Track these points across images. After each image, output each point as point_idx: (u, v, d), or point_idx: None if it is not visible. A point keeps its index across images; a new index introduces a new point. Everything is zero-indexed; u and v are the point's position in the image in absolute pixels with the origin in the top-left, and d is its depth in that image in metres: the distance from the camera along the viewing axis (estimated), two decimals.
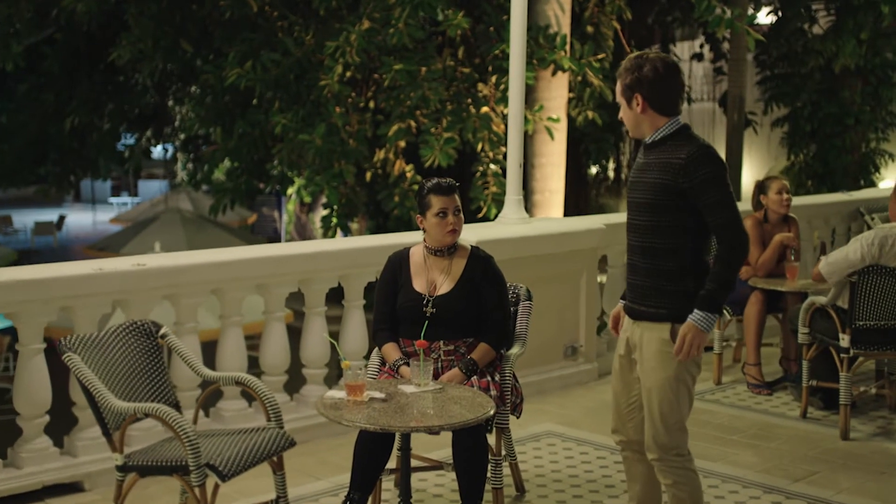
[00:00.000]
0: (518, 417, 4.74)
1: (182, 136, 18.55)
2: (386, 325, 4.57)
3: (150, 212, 20.88)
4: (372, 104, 11.41)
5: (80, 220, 36.82)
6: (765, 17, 15.98)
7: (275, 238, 26.77)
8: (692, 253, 3.77)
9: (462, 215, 4.59)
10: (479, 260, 4.60)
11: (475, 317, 4.52)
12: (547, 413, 6.50)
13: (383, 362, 4.59)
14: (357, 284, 6.02)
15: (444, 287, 4.51)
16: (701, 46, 17.72)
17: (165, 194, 23.68)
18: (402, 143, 10.86)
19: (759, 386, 6.92)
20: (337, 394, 3.95)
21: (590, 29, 11.72)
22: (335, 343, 4.76)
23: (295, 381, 6.10)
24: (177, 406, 4.36)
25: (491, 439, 4.54)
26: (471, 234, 6.03)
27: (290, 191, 13.38)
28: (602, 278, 7.59)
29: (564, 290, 7.01)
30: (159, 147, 22.02)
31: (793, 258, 6.82)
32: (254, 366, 5.74)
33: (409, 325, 4.48)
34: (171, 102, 18.75)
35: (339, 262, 5.84)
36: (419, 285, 4.53)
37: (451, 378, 4.34)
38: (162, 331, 4.44)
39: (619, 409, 4.10)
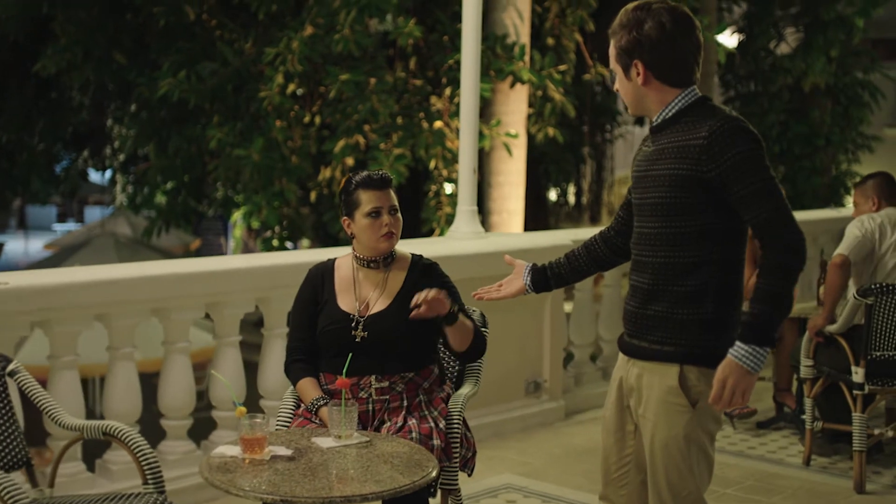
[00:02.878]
0: (470, 475, 3.80)
1: (121, 158, 17.65)
2: (302, 355, 3.64)
3: (84, 236, 19.80)
4: (317, 119, 10.63)
5: (21, 247, 35.49)
6: (729, 36, 15.44)
7: None
8: (719, 268, 2.83)
9: (400, 216, 3.71)
10: (423, 269, 3.72)
11: (418, 343, 3.60)
12: (505, 461, 5.60)
13: (299, 403, 3.66)
14: (279, 309, 5.07)
15: (378, 304, 3.59)
16: None
17: (103, 219, 22.60)
18: (350, 161, 10.17)
19: (742, 409, 5.98)
20: (230, 450, 3.02)
21: (550, 41, 11.04)
22: (225, 382, 3.83)
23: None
24: (25, 463, 3.41)
25: (434, 503, 3.61)
26: (414, 250, 5.15)
27: (236, 216, 12.62)
28: (568, 305, 6.74)
29: (526, 317, 6.15)
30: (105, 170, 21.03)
31: None
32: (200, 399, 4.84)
33: (333, 356, 3.58)
34: (109, 122, 17.83)
35: (256, 281, 4.89)
36: (346, 303, 3.60)
37: (430, 297, 3.38)
38: (10, 367, 3.50)
39: (608, 472, 3.15)
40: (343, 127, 10.02)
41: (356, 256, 3.69)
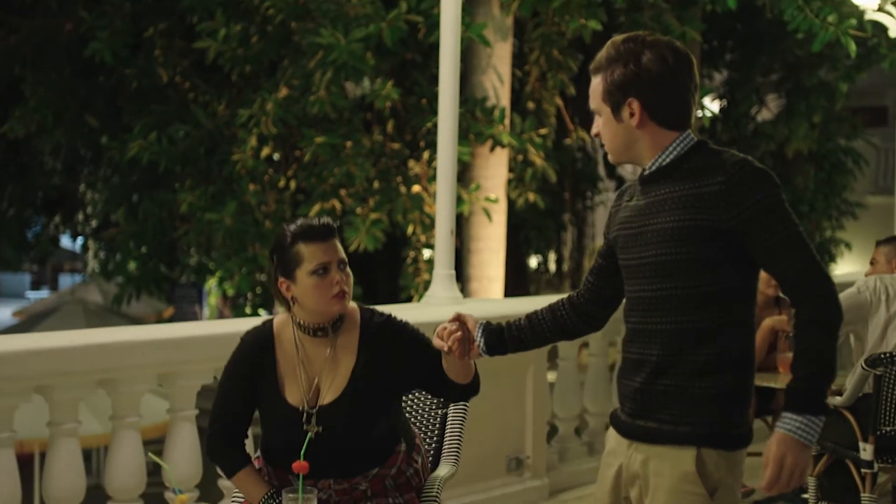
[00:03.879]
0: None
1: (94, 223, 17.33)
2: (232, 439, 3.09)
3: (54, 304, 19.36)
4: (293, 183, 10.41)
5: None
6: (710, 102, 15.35)
7: None
8: (739, 332, 2.50)
9: (349, 271, 3.06)
10: (377, 328, 3.09)
11: (381, 430, 3.06)
12: None
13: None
14: None
15: (329, 392, 3.01)
16: None
17: (73, 286, 22.16)
18: None
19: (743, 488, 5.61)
20: None
21: (531, 105, 10.88)
22: (164, 465, 3.45)
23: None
24: None
25: None
26: None
27: (210, 283, 12.38)
28: (552, 375, 6.38)
29: (506, 389, 5.78)
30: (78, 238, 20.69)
31: (786, 348, 5.63)
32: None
33: (282, 452, 3.04)
34: (82, 187, 17.53)
35: (215, 350, 4.47)
36: (292, 394, 3.02)
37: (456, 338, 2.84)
38: None
39: None
40: (318, 191, 9.80)
41: (298, 324, 3.04)
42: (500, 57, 9.61)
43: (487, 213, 9.48)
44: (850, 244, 15.51)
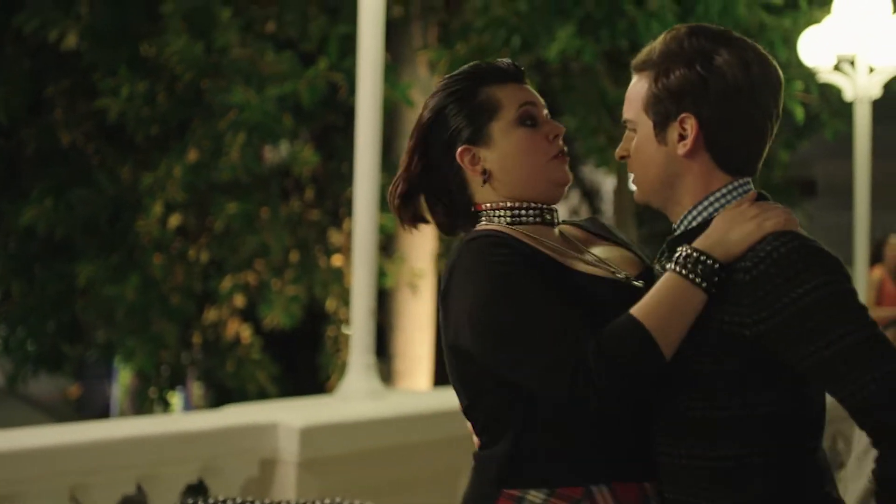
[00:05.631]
0: None
1: None
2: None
3: None
4: (203, 255, 9.82)
5: None
6: None
7: (105, 416, 24.06)
8: (779, 474, 1.72)
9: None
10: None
11: None
12: None
13: None
14: (168, 490, 3.86)
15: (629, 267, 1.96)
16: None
17: None
18: (239, 301, 9.58)
19: None
20: None
21: None
22: None
23: None
24: None
25: None
26: (293, 417, 4.06)
27: (119, 360, 11.76)
28: None
29: (438, 502, 5.03)
30: None
31: None
32: None
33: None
34: None
35: (137, 455, 3.69)
36: (590, 267, 1.92)
37: None
38: None
39: None
40: (231, 263, 9.37)
41: (521, 211, 1.92)
42: None
43: (413, 288, 9.03)
44: None
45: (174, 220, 9.38)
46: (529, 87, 2.00)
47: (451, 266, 1.84)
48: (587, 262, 1.90)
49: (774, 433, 1.71)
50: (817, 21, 7.36)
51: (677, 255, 1.74)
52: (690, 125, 1.76)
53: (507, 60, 2.01)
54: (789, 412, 1.72)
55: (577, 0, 8.09)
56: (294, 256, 9.46)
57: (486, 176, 1.92)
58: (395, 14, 8.57)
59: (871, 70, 7.08)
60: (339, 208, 9.90)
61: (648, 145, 1.81)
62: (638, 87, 1.83)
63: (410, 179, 1.98)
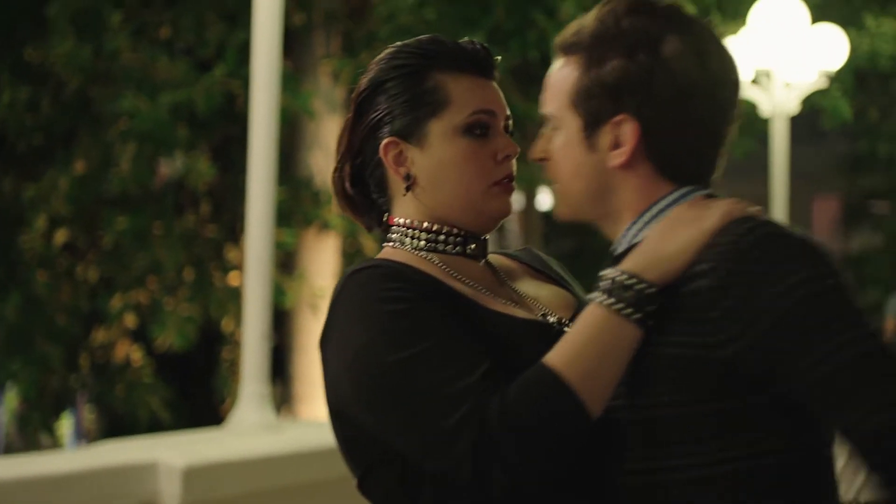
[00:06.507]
0: None
1: None
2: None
3: None
4: (91, 273, 9.59)
5: None
6: None
7: None
8: None
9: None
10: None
11: None
12: None
13: None
14: None
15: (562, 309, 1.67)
16: None
17: None
18: (130, 321, 9.31)
19: None
20: None
21: None
22: None
23: None
24: None
25: None
26: (175, 455, 3.72)
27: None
28: None
29: None
30: None
31: None
32: None
33: None
34: None
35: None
36: (513, 308, 1.60)
37: None
38: None
39: None
40: (121, 281, 9.16)
41: (440, 237, 1.60)
42: (330, 132, 8.91)
43: (314, 308, 8.76)
44: None
45: (60, 236, 9.19)
46: (496, 86, 1.62)
47: (331, 306, 1.50)
48: (511, 301, 1.57)
49: (768, 495, 1.34)
50: (733, 33, 7.26)
51: (602, 281, 1.39)
52: (628, 130, 1.41)
53: (476, 42, 1.62)
54: (791, 462, 1.35)
55: (486, 9, 8.05)
56: (188, 274, 9.23)
57: (410, 182, 1.56)
58: (296, 22, 8.42)
59: (787, 85, 6.99)
60: (236, 224, 9.62)
61: (573, 150, 1.46)
62: (563, 73, 1.46)
63: (341, 161, 1.61)
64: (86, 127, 9.04)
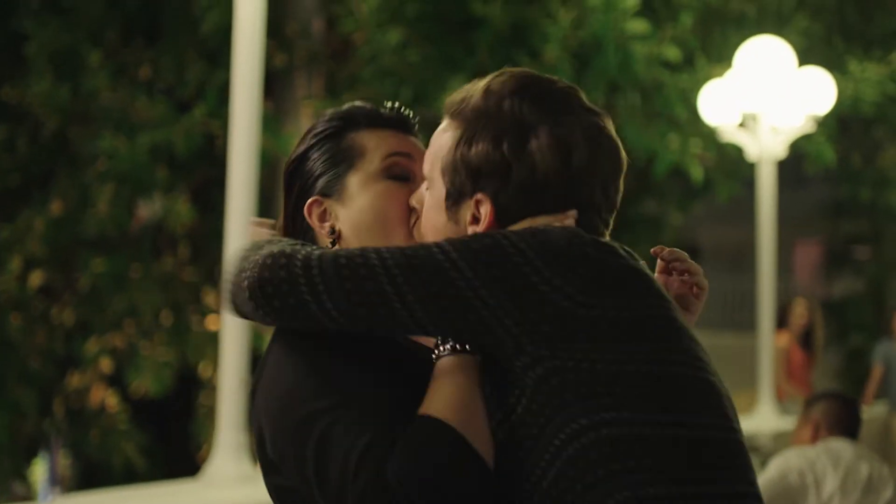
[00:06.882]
0: None
1: None
2: None
3: None
4: (67, 316, 9.44)
5: None
6: None
7: None
8: None
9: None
10: None
11: None
12: None
13: None
14: None
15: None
16: None
17: None
18: (105, 365, 9.20)
19: None
20: None
21: None
22: None
23: None
24: None
25: None
26: None
27: None
28: None
29: None
30: None
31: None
32: None
33: None
34: None
35: None
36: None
37: None
38: None
39: None
40: (97, 324, 9.02)
41: None
42: None
43: None
44: None
45: (35, 278, 9.05)
46: (414, 139, 1.68)
47: (261, 365, 1.53)
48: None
49: None
50: (719, 76, 7.19)
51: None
52: (485, 211, 1.48)
53: (392, 105, 1.69)
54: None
55: (469, 51, 7.99)
56: (166, 318, 9.13)
57: (335, 236, 1.60)
58: (277, 63, 8.35)
59: (774, 130, 6.91)
60: (215, 267, 9.50)
61: (438, 215, 1.53)
62: (442, 139, 1.52)
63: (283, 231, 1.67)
64: (63, 167, 8.93)
